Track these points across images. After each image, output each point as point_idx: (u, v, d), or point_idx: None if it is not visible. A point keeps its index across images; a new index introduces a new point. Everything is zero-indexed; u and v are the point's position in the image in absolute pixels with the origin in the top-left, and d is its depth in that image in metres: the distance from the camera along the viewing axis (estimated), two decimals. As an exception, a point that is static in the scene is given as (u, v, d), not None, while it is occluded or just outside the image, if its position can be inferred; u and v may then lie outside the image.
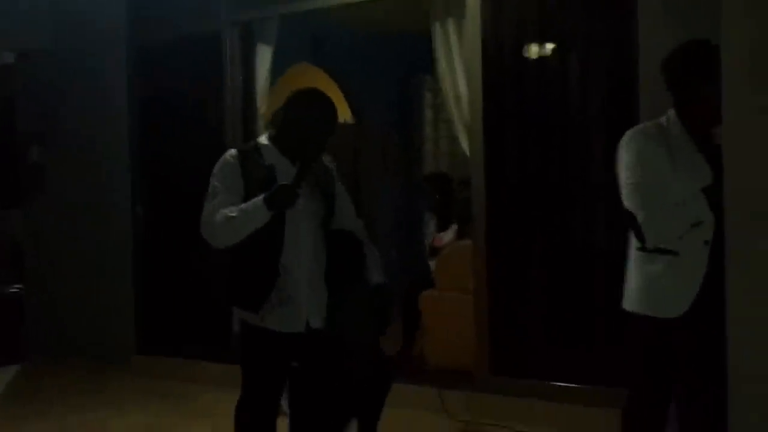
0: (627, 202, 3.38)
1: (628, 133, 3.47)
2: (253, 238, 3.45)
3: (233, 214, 3.40)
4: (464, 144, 5.89)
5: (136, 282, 7.14)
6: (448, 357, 5.59)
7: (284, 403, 3.83)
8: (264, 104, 6.71)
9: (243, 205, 3.43)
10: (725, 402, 2.97)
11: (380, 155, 9.60)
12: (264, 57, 6.64)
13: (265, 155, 3.58)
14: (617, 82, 5.26)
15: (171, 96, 7.05)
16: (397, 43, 8.90)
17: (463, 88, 5.81)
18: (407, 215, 9.39)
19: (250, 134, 6.48)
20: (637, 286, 3.47)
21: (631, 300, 3.51)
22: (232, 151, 3.61)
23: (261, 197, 3.38)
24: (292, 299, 3.52)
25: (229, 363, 6.32)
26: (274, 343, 3.56)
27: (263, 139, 3.66)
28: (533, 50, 5.45)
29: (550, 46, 5.44)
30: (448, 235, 6.73)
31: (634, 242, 3.47)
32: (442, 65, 5.96)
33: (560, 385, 5.33)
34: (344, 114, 10.03)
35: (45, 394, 6.59)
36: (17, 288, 8.24)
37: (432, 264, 6.60)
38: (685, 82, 3.37)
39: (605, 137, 5.21)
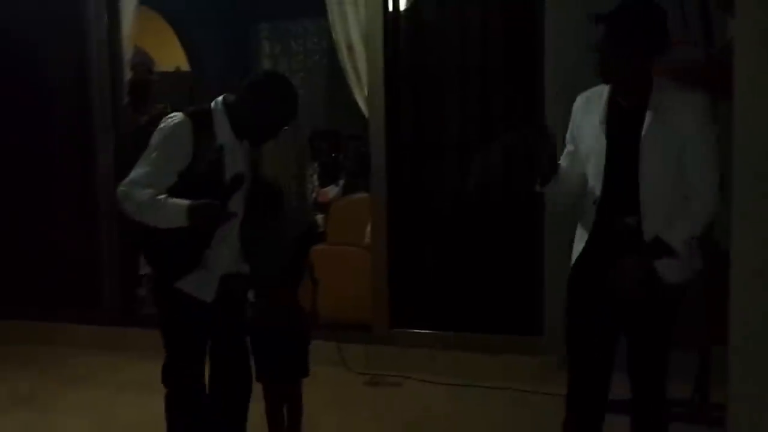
0: None
1: None
2: None
3: (156, 207, 3.28)
4: (358, 96, 5.84)
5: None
6: (343, 311, 5.54)
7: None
8: (129, 50, 6.39)
9: (168, 202, 3.27)
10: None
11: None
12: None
13: (216, 130, 3.40)
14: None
15: (25, 32, 6.38)
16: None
17: (355, 36, 5.76)
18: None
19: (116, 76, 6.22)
20: None
21: None
22: (183, 118, 3.37)
23: (185, 205, 3.24)
24: (210, 269, 3.46)
25: (95, 324, 6.16)
26: (189, 305, 3.46)
27: (218, 105, 3.45)
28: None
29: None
30: (334, 191, 6.67)
31: None
32: (332, 12, 5.88)
33: (458, 335, 5.47)
34: (180, 61, 9.71)
35: None
36: None
37: (320, 219, 6.52)
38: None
39: (506, 89, 5.35)
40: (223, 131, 3.40)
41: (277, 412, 3.83)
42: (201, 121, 3.39)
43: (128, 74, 6.44)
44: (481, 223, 5.46)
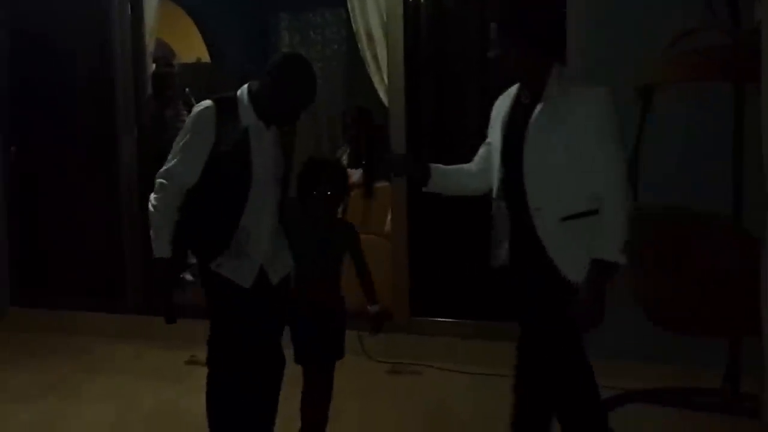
0: None
1: None
2: (216, 196, 3.48)
3: (158, 218, 3.47)
4: (378, 84, 5.84)
5: (11, 229, 6.60)
6: (363, 300, 5.52)
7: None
8: (152, 42, 6.45)
9: (162, 232, 3.45)
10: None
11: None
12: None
13: (242, 114, 3.50)
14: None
15: (47, 28, 6.44)
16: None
17: (375, 25, 5.76)
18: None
19: (139, 71, 6.25)
20: None
21: None
22: (209, 103, 3.49)
23: (166, 245, 3.44)
24: (248, 255, 3.52)
25: (118, 313, 6.19)
26: (229, 289, 3.55)
27: (243, 94, 3.54)
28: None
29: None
30: (358, 174, 6.62)
31: None
32: (352, 1, 5.91)
33: (479, 323, 5.46)
34: (201, 53, 9.76)
35: None
36: None
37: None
38: None
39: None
40: (248, 115, 3.49)
41: (314, 395, 3.84)
42: (226, 106, 3.49)
43: (151, 67, 6.49)
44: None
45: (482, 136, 5.41)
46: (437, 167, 3.51)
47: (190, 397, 4.43)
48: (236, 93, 3.55)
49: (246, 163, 3.44)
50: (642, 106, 4.22)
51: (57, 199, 6.50)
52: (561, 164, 3.00)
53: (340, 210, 5.10)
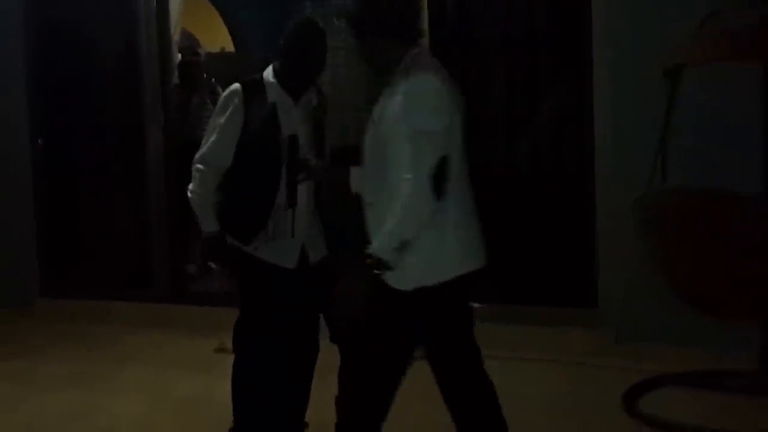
0: None
1: None
2: (252, 173, 3.54)
3: (199, 202, 3.55)
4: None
5: (39, 220, 6.62)
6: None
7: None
8: (177, 33, 6.48)
9: (203, 203, 3.55)
10: None
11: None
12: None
13: (268, 92, 3.57)
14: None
15: (74, 20, 6.48)
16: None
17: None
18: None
19: (165, 61, 6.26)
20: None
21: None
22: (236, 85, 3.59)
23: (213, 221, 3.55)
24: (287, 235, 3.55)
25: (147, 302, 6.21)
26: (268, 273, 3.59)
27: (268, 74, 3.61)
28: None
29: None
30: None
31: None
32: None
33: (510, 307, 5.41)
34: (225, 42, 9.75)
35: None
36: None
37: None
38: None
39: (553, 58, 5.28)
40: (274, 92, 3.55)
41: (350, 374, 3.78)
42: (253, 86, 3.58)
43: (177, 57, 6.50)
44: (531, 195, 5.41)
45: (510, 116, 5.44)
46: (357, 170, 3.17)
47: (219, 385, 4.43)
48: (262, 74, 3.61)
49: (276, 138, 3.47)
50: (671, 87, 4.16)
51: (84, 190, 6.55)
52: (384, 158, 2.82)
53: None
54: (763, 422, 3.96)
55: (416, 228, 2.75)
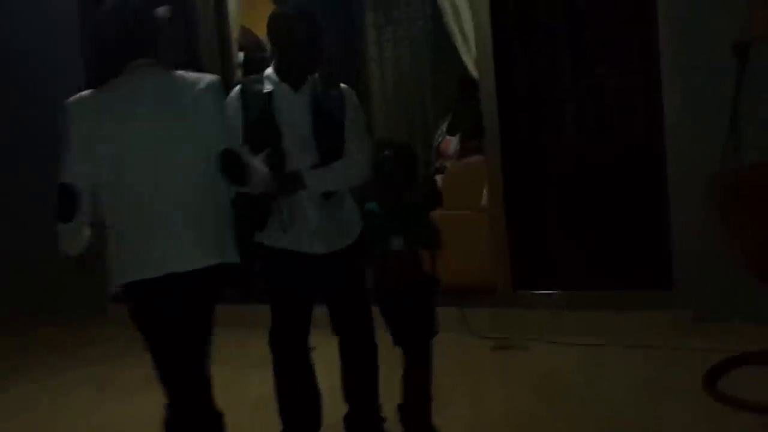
0: None
1: None
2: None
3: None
4: (466, 58, 5.77)
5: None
6: (463, 276, 5.47)
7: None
8: (236, 30, 6.55)
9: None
10: None
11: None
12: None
13: (266, 83, 3.55)
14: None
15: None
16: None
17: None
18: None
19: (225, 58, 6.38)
20: None
21: None
22: (238, 86, 3.60)
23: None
24: (300, 220, 3.53)
25: (220, 303, 6.24)
26: (291, 263, 3.59)
27: (269, 69, 3.59)
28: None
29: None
30: (454, 144, 6.57)
31: None
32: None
33: (585, 293, 5.33)
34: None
35: (32, 353, 6.28)
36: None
37: (438, 180, 6.43)
38: None
39: (618, 40, 5.18)
40: (271, 81, 3.53)
41: (413, 376, 3.75)
42: (251, 81, 3.59)
43: (237, 54, 6.53)
44: (601, 177, 5.31)
45: (575, 102, 5.37)
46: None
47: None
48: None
49: (273, 126, 3.47)
50: (739, 62, 4.06)
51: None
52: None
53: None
54: None
55: None
